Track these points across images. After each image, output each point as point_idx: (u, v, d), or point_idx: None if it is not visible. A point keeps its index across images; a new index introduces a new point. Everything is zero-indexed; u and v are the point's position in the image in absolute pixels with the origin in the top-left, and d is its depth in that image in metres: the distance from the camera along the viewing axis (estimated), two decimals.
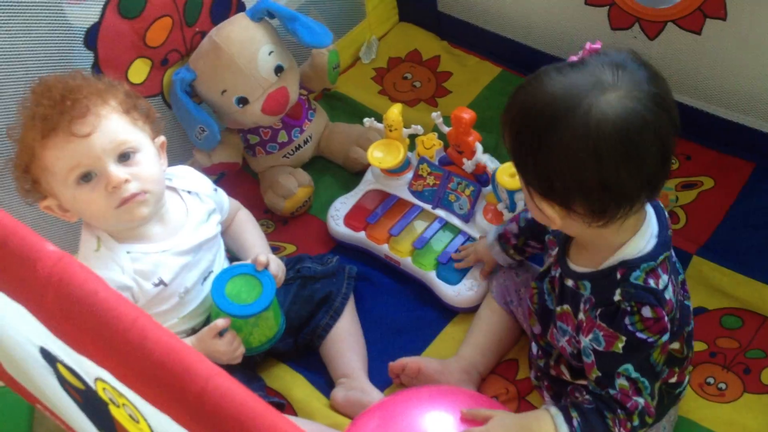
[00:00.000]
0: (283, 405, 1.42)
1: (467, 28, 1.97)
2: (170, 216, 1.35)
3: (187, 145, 1.67)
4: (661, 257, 1.13)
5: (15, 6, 1.34)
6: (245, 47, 1.59)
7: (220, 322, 1.31)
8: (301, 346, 1.49)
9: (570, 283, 1.20)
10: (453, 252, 1.54)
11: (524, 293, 1.43)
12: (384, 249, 1.59)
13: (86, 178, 1.25)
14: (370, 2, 1.98)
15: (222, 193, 1.46)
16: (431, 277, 1.54)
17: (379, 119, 1.66)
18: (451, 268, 1.54)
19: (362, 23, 2.00)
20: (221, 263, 1.41)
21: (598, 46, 1.09)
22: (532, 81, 1.08)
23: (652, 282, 1.11)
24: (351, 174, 1.77)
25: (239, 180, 1.76)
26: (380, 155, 1.63)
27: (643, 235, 1.14)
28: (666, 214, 1.19)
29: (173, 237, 1.34)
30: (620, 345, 1.12)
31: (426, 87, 1.93)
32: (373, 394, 1.40)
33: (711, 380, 1.41)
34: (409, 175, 1.65)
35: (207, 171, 1.64)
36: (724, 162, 1.70)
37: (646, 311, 1.10)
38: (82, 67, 1.44)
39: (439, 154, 1.64)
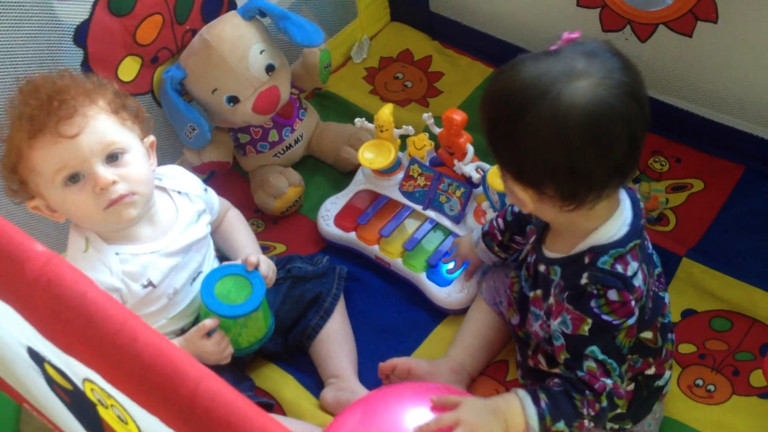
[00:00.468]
0: (272, 405, 1.41)
1: (459, 28, 1.97)
2: (160, 217, 1.34)
3: (177, 144, 1.67)
4: (631, 244, 1.15)
5: (4, 2, 1.33)
6: (236, 46, 1.58)
7: (209, 323, 1.31)
8: (291, 347, 1.49)
9: (542, 268, 1.22)
10: (444, 257, 1.54)
11: None
12: (374, 250, 1.59)
13: (74, 179, 1.23)
14: (361, 1, 1.98)
15: (212, 193, 1.45)
16: (421, 278, 1.54)
17: (370, 119, 1.66)
18: (442, 269, 1.54)
19: (354, 22, 2.00)
20: (211, 264, 1.41)
21: (575, 35, 1.11)
22: (507, 69, 1.11)
23: (619, 267, 1.13)
24: (342, 174, 1.77)
25: (229, 179, 1.75)
26: (371, 156, 1.62)
27: (614, 222, 1.16)
28: (641, 204, 1.21)
29: (162, 238, 1.33)
30: (586, 327, 1.14)
31: (417, 87, 1.93)
32: (363, 395, 1.39)
33: (700, 382, 1.41)
34: (400, 175, 1.65)
35: (197, 170, 1.63)
36: (714, 164, 1.71)
37: (612, 294, 1.12)
38: (72, 64, 1.44)
39: (430, 155, 1.64)
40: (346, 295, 1.54)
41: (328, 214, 1.65)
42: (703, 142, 1.73)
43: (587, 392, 1.14)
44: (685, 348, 1.44)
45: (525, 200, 1.13)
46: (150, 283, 1.31)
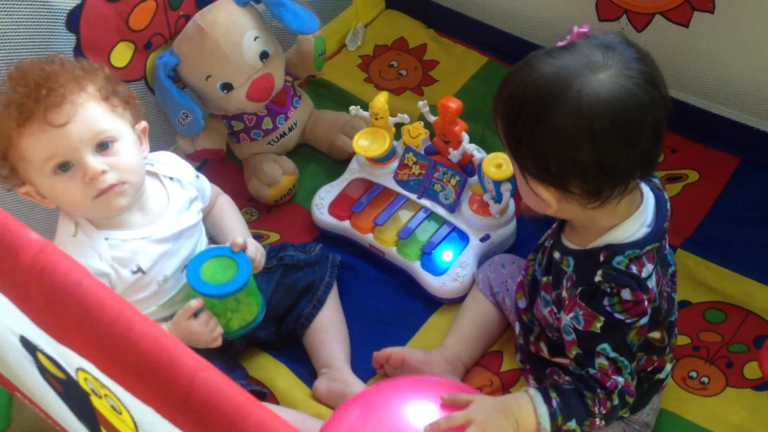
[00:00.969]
0: (264, 394, 1.41)
1: (454, 16, 1.96)
2: (150, 203, 1.33)
3: (170, 131, 1.65)
4: (648, 247, 1.14)
5: None
6: (230, 32, 1.57)
7: (194, 303, 1.29)
8: (284, 336, 1.48)
9: (557, 255, 1.21)
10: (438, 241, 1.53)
11: (511, 285, 1.43)
12: (368, 238, 1.58)
13: (63, 167, 1.22)
14: None
15: (204, 180, 1.44)
16: (416, 267, 1.54)
17: (365, 107, 1.65)
18: (436, 258, 1.53)
19: (348, 10, 1.98)
20: None
21: (585, 29, 1.11)
22: (523, 66, 1.10)
23: (634, 268, 1.12)
24: (336, 162, 1.76)
25: (223, 167, 1.74)
26: (366, 144, 1.62)
27: (634, 222, 1.15)
28: (668, 206, 1.20)
29: (153, 224, 1.32)
30: (598, 325, 1.13)
31: (412, 75, 1.92)
32: (356, 385, 1.39)
33: (694, 374, 1.41)
34: (395, 164, 1.64)
35: (190, 157, 1.62)
36: (709, 155, 1.71)
37: (626, 294, 1.12)
38: (64, 50, 1.42)
39: (425, 144, 1.63)
40: (340, 284, 1.53)
41: (323, 202, 1.64)
42: (699, 133, 1.72)
43: (599, 390, 1.14)
44: (680, 340, 1.43)
45: (549, 200, 1.11)
46: (139, 269, 1.30)
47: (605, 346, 1.14)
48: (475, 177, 1.57)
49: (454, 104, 1.54)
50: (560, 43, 1.10)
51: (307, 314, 1.47)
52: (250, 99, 1.61)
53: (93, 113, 1.23)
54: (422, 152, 1.62)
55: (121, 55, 1.53)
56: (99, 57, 1.46)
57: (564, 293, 1.19)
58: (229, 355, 1.43)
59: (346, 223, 1.61)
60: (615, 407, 1.15)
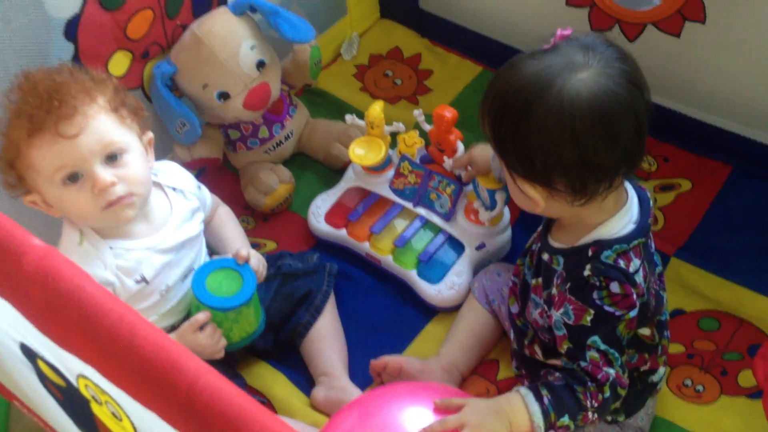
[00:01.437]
0: (263, 403, 1.40)
1: (448, 26, 1.97)
2: (154, 213, 1.34)
3: (166, 140, 1.65)
4: (635, 242, 1.17)
5: None
6: (227, 41, 1.58)
7: (201, 316, 1.30)
8: (281, 344, 1.48)
9: (546, 257, 1.23)
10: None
11: (506, 293, 1.43)
12: (365, 247, 1.59)
13: (73, 178, 1.22)
14: None
15: (205, 191, 1.45)
16: (412, 275, 1.54)
17: (360, 116, 1.66)
18: (433, 266, 1.54)
19: (343, 19, 1.99)
20: (203, 261, 1.40)
21: (568, 32, 1.14)
22: (507, 68, 1.13)
23: (622, 263, 1.15)
24: (332, 171, 1.76)
25: (219, 176, 1.75)
26: (361, 152, 1.62)
27: (620, 219, 1.17)
28: (651, 204, 1.22)
29: (156, 234, 1.32)
30: (588, 318, 1.15)
31: (407, 84, 1.93)
32: (353, 393, 1.39)
33: (688, 382, 1.42)
34: (391, 172, 1.65)
35: (187, 166, 1.62)
36: (701, 164, 1.72)
37: (615, 287, 1.14)
38: (62, 59, 1.42)
39: (420, 153, 1.64)
40: (337, 292, 1.54)
41: (319, 211, 1.64)
42: (691, 142, 1.74)
43: (590, 383, 1.15)
44: (674, 348, 1.44)
45: (536, 198, 1.14)
46: (143, 279, 1.30)
47: (596, 338, 1.15)
48: (470, 186, 1.58)
49: (449, 113, 1.55)
50: (545, 47, 1.13)
51: (305, 323, 1.47)
52: (247, 108, 1.61)
53: (103, 125, 1.23)
54: (418, 161, 1.63)
55: (119, 63, 1.54)
56: (97, 66, 1.46)
57: (554, 290, 1.20)
58: (228, 364, 1.43)
59: (343, 232, 1.61)
60: (607, 400, 1.16)
